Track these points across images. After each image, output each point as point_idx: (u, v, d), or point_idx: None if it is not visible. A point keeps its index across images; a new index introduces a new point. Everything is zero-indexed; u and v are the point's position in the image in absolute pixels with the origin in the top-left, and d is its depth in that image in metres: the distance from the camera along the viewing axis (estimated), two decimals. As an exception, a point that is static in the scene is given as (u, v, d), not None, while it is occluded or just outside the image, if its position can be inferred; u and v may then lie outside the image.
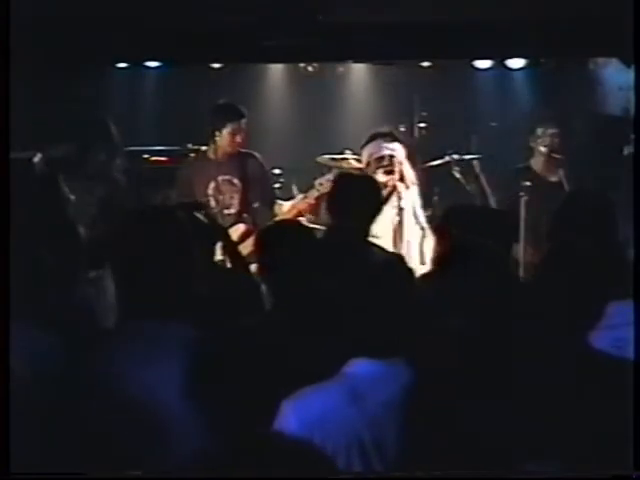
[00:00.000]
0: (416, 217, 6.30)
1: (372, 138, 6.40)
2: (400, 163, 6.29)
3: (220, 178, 6.88)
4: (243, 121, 6.88)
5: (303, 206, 6.67)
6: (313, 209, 6.61)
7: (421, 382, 2.54)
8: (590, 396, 3.16)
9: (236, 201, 6.88)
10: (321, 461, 1.90)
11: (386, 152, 6.27)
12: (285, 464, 1.85)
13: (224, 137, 6.83)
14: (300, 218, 6.40)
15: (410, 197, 6.34)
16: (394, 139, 6.37)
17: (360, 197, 5.06)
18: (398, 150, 6.30)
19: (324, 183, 6.46)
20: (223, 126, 6.85)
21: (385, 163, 6.21)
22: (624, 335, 3.43)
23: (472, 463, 2.41)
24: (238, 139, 6.86)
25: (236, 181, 6.89)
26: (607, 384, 3.19)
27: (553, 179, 7.24)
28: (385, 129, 6.46)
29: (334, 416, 3.12)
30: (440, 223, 4.68)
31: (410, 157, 6.48)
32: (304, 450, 1.88)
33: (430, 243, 6.07)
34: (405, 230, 6.16)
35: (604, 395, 3.17)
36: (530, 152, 7.52)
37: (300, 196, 6.81)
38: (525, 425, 2.51)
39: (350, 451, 3.10)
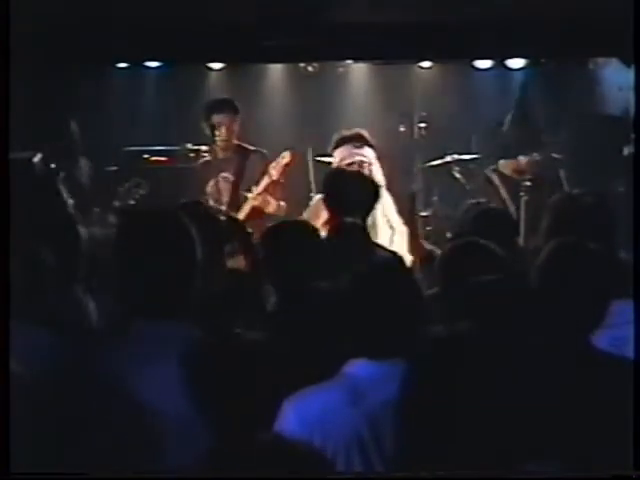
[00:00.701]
0: (387, 219, 6.33)
1: (341, 142, 6.45)
2: (370, 165, 6.37)
3: (220, 175, 6.89)
4: (230, 113, 6.88)
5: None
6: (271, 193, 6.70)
7: (421, 382, 2.54)
8: (590, 396, 3.16)
9: (229, 195, 6.86)
10: (321, 461, 1.90)
11: (356, 158, 6.36)
12: (285, 464, 1.85)
13: (213, 130, 6.85)
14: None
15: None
16: (364, 142, 6.42)
17: (358, 192, 5.20)
18: (368, 154, 6.37)
19: (276, 167, 6.64)
20: (210, 119, 6.87)
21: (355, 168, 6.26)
22: (624, 335, 3.43)
23: (472, 463, 2.41)
24: (223, 130, 6.83)
25: (232, 177, 6.88)
26: (607, 384, 3.19)
27: (553, 179, 7.26)
28: (352, 132, 6.50)
29: (334, 416, 3.12)
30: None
31: (380, 158, 6.50)
32: (304, 450, 1.88)
33: (401, 244, 6.13)
34: (376, 231, 6.22)
35: (604, 395, 3.16)
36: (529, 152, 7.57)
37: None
38: (525, 425, 2.51)
39: (350, 451, 3.10)
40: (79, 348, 3.41)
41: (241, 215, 6.63)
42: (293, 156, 6.70)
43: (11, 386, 2.90)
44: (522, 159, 7.45)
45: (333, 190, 5.32)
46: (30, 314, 3.68)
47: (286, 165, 6.66)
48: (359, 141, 6.40)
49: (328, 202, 5.32)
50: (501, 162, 7.48)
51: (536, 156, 7.48)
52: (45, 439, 2.88)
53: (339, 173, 5.67)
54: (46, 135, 7.23)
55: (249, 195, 6.68)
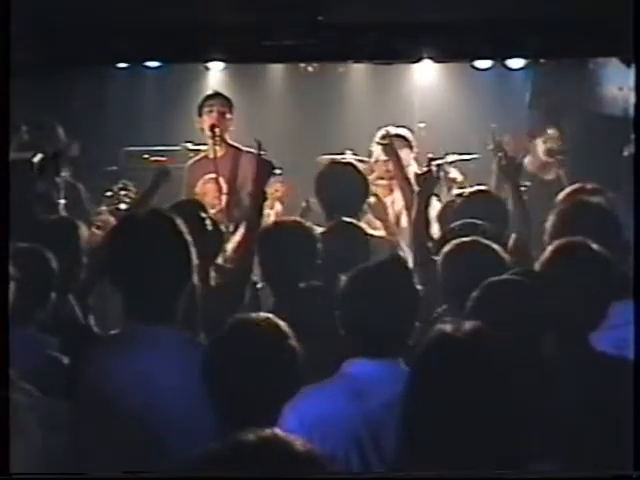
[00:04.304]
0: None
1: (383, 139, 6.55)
2: (402, 164, 6.46)
3: (209, 177, 6.84)
4: (222, 102, 6.87)
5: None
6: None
7: (421, 382, 2.54)
8: (591, 396, 3.16)
9: (222, 200, 6.79)
10: (320, 461, 1.90)
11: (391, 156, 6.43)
12: (284, 464, 1.85)
13: (202, 126, 6.83)
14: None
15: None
16: (402, 143, 6.56)
17: (348, 190, 5.32)
18: (404, 154, 6.43)
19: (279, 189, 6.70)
20: (202, 111, 6.85)
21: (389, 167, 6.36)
22: (625, 336, 3.43)
23: (472, 463, 2.41)
24: (214, 118, 6.78)
25: (222, 180, 6.83)
26: (607, 384, 3.19)
27: (553, 179, 7.26)
28: (394, 132, 6.62)
29: (333, 416, 3.12)
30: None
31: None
32: (303, 450, 1.88)
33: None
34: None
35: (604, 395, 3.16)
36: (530, 152, 7.57)
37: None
38: (526, 425, 2.50)
39: (349, 451, 3.10)
40: (77, 350, 3.41)
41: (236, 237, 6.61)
42: (285, 190, 6.71)
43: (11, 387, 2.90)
44: (554, 156, 7.45)
45: (323, 189, 5.39)
46: (30, 315, 3.68)
47: (279, 198, 6.70)
48: (401, 141, 6.52)
49: (319, 201, 5.38)
50: (532, 160, 7.50)
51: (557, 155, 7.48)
52: (45, 440, 2.88)
53: (328, 172, 5.69)
54: (46, 135, 7.22)
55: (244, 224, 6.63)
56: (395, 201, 6.54)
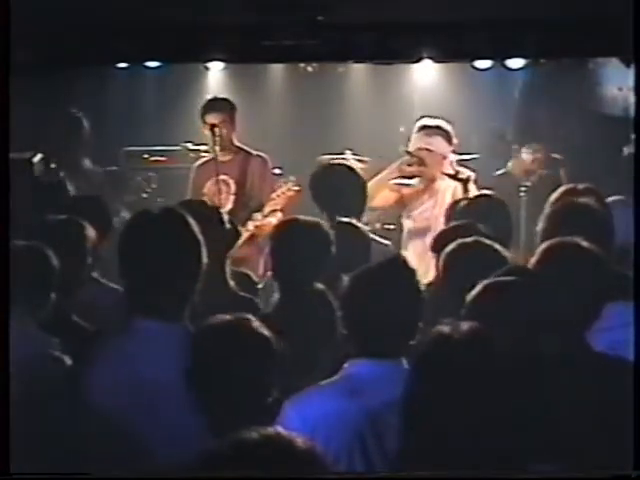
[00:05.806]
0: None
1: (420, 129, 6.49)
2: (437, 155, 6.41)
3: (216, 178, 6.83)
4: (226, 112, 6.86)
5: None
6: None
7: (422, 382, 2.54)
8: (590, 396, 3.16)
9: (229, 201, 6.79)
10: (322, 460, 1.90)
11: (422, 145, 6.40)
12: (286, 464, 1.85)
13: (206, 132, 6.82)
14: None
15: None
16: (438, 133, 6.45)
17: (345, 190, 5.29)
18: (437, 144, 6.40)
19: (281, 198, 6.63)
20: (206, 119, 6.84)
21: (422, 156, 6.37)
22: (622, 337, 3.43)
23: (473, 463, 2.41)
24: (218, 130, 6.78)
25: (231, 182, 6.83)
26: (607, 385, 3.19)
27: (553, 179, 7.27)
28: (431, 122, 6.52)
29: (335, 416, 3.12)
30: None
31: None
32: (305, 450, 1.88)
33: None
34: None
35: (604, 395, 3.17)
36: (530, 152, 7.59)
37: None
38: (526, 426, 2.51)
39: (351, 451, 3.10)
40: (82, 347, 3.41)
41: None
42: (299, 192, 6.68)
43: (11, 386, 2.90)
44: (528, 158, 7.52)
45: (320, 189, 5.37)
46: (32, 313, 3.68)
47: (291, 198, 6.66)
48: (434, 131, 6.42)
49: (317, 202, 5.35)
50: (510, 164, 7.55)
51: (540, 155, 7.54)
52: (45, 439, 2.88)
53: (324, 171, 5.67)
54: (46, 135, 7.23)
55: (250, 224, 6.63)
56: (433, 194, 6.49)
